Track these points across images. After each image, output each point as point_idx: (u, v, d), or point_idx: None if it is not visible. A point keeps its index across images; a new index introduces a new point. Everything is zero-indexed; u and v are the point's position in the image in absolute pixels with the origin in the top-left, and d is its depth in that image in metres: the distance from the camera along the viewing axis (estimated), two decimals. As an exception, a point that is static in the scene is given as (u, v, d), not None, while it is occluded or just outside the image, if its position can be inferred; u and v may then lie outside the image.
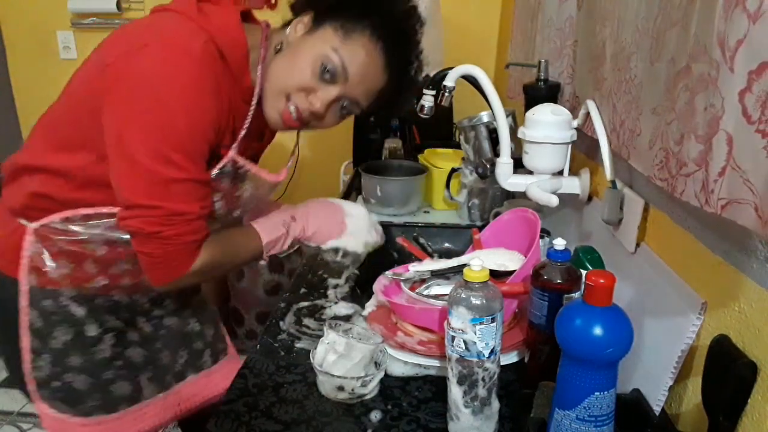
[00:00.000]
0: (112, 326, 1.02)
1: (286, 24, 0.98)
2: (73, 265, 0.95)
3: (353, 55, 0.90)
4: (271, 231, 1.02)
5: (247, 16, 0.98)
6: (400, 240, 1.27)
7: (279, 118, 0.94)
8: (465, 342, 0.74)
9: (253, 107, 0.94)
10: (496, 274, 0.96)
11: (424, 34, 0.98)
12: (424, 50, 1.00)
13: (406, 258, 1.27)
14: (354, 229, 1.10)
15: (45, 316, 0.96)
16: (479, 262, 0.74)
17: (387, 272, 1.10)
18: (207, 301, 1.26)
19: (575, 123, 1.12)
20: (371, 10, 0.92)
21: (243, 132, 0.95)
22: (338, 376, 0.85)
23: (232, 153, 0.93)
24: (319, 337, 0.91)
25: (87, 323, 0.99)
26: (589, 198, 1.19)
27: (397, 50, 0.93)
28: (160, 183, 0.84)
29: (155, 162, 0.83)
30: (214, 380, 1.21)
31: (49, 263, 0.94)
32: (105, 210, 0.92)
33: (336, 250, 1.09)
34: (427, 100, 1.32)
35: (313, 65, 0.89)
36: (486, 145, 1.46)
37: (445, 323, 0.77)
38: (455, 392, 0.77)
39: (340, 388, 0.86)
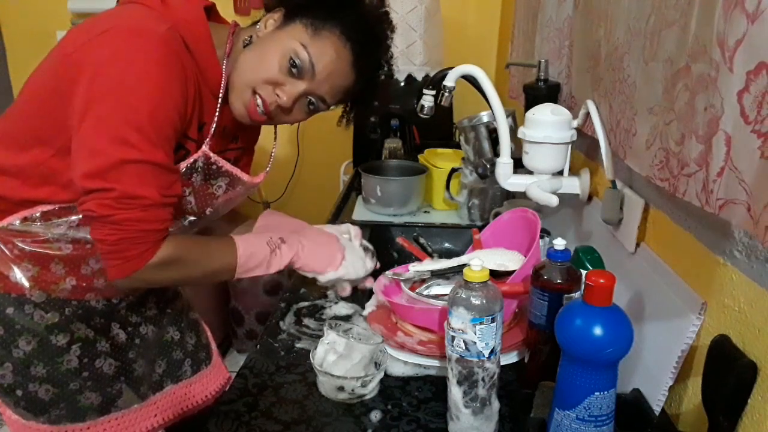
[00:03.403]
0: (82, 336, 0.99)
1: (256, 22, 0.98)
2: (38, 267, 0.93)
3: (322, 52, 0.90)
4: (251, 246, 0.96)
5: (211, 15, 0.97)
6: (400, 240, 1.27)
7: (244, 110, 0.93)
8: (465, 342, 0.74)
9: (220, 100, 0.94)
10: (496, 274, 0.96)
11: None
12: (394, 55, 1.01)
13: (406, 258, 1.27)
14: (352, 258, 1.06)
15: (7, 325, 0.93)
16: (479, 262, 0.74)
17: (387, 272, 1.10)
18: (189, 307, 1.22)
19: (575, 123, 1.12)
20: (342, 10, 0.92)
21: (213, 126, 0.94)
22: (338, 377, 0.85)
23: (205, 148, 0.93)
24: (319, 337, 0.92)
25: (54, 332, 0.96)
26: (589, 198, 1.19)
27: (366, 51, 0.94)
28: (115, 164, 0.81)
29: (111, 142, 0.81)
30: (193, 391, 1.18)
31: (12, 267, 0.92)
32: (66, 206, 0.89)
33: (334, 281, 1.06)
34: (427, 100, 1.32)
35: (281, 59, 0.90)
36: (486, 145, 1.46)
37: (445, 323, 0.77)
38: (455, 392, 0.77)
39: (340, 389, 0.86)
